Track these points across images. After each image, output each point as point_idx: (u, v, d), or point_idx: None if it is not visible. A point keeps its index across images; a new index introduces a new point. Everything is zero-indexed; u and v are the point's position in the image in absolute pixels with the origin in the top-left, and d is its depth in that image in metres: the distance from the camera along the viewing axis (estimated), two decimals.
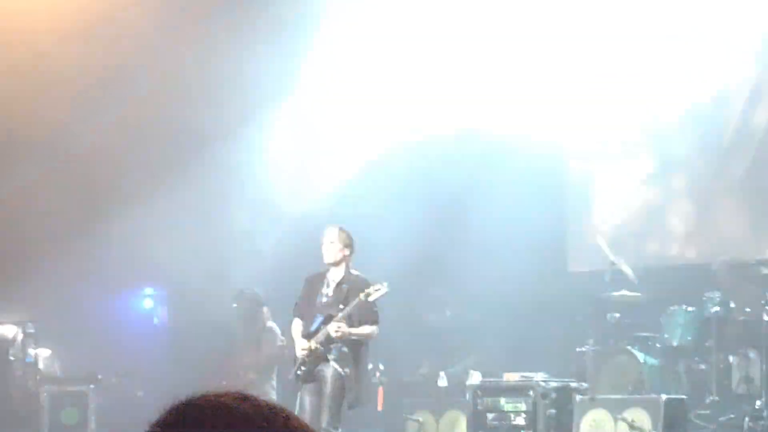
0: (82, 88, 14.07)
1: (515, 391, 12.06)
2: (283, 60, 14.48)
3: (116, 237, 14.33)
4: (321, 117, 15.07)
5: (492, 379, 12.63)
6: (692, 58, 14.81)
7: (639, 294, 13.02)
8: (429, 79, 14.95)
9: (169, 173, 14.87)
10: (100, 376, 13.24)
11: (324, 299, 11.03)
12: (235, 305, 13.93)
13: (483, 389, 12.29)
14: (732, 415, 12.19)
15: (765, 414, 11.89)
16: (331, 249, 11.02)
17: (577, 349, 13.10)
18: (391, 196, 14.85)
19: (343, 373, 10.76)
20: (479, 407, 12.10)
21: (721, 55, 14.63)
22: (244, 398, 1.95)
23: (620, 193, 15.19)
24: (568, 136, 15.54)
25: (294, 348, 11.25)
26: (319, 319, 10.92)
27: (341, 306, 10.84)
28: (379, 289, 10.70)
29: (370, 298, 10.71)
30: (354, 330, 10.84)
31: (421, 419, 12.54)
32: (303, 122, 14.96)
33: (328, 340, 10.78)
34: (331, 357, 10.80)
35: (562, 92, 15.31)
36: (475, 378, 12.96)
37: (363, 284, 10.84)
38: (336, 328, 10.72)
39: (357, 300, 10.74)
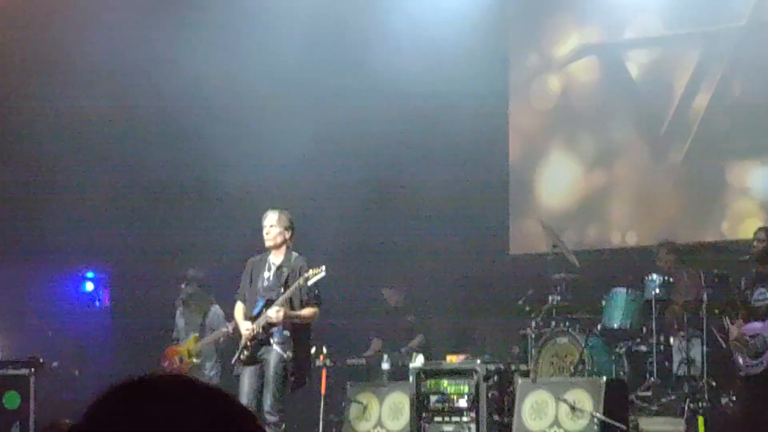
0: (26, 71, 13.97)
1: (458, 373, 12.08)
2: (220, 49, 14.45)
3: (57, 219, 14.23)
4: (263, 98, 15.02)
5: (435, 362, 12.66)
6: (633, 43, 14.91)
7: (580, 277, 13.11)
8: (370, 56, 14.92)
9: (110, 156, 14.79)
10: (41, 360, 13.13)
11: (265, 282, 11.01)
12: (178, 288, 13.87)
13: (426, 372, 12.31)
14: (673, 397, 12.31)
15: (705, 395, 12.01)
16: (272, 232, 10.99)
17: (519, 332, 13.17)
18: (333, 178, 14.84)
19: (285, 356, 10.75)
20: (422, 389, 12.12)
21: (661, 39, 14.73)
22: (184, 381, 1.95)
23: (562, 177, 15.28)
24: (512, 121, 15.60)
25: (237, 331, 11.25)
26: (261, 302, 10.89)
27: (282, 289, 10.82)
28: (318, 273, 10.68)
29: (309, 282, 10.69)
30: (294, 313, 10.82)
31: (364, 402, 12.54)
32: (243, 106, 14.88)
33: (270, 324, 10.77)
34: (273, 340, 10.78)
35: (506, 74, 15.35)
36: (418, 360, 12.99)
37: (303, 267, 10.83)
38: (276, 311, 10.71)
39: (297, 283, 10.73)
